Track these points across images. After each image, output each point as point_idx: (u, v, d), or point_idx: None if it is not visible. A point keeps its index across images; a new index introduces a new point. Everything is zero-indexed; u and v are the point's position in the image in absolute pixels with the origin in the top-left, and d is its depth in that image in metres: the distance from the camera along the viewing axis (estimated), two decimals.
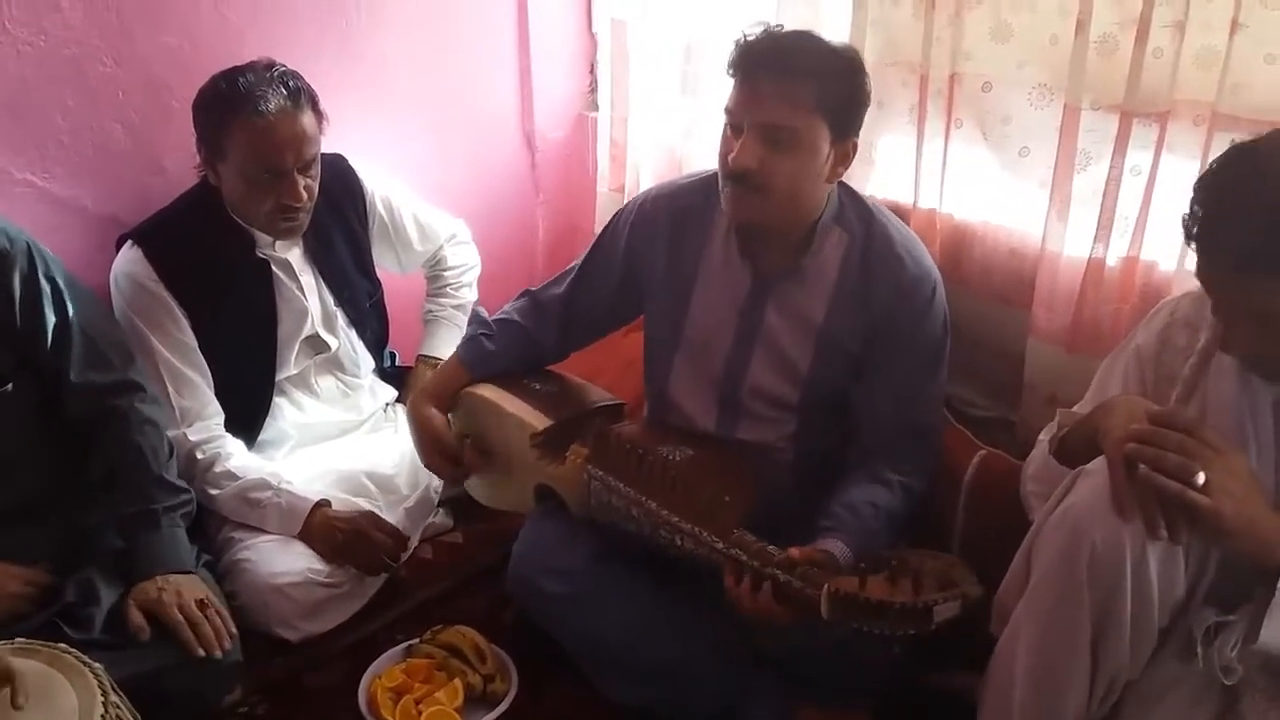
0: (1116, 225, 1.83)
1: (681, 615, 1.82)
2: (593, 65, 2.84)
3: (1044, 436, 1.64)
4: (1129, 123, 1.76)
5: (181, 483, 1.89)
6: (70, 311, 1.84)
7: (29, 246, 1.81)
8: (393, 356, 2.47)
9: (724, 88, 1.72)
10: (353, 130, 2.31)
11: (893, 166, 2.14)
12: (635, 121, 2.66)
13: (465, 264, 2.48)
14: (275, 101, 1.91)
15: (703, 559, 1.64)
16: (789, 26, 1.71)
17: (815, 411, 1.85)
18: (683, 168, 2.57)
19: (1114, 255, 1.85)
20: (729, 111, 1.69)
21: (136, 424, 1.87)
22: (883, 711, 1.78)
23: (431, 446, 2.02)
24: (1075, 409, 1.62)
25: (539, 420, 1.93)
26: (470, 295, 2.49)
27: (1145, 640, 1.40)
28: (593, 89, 2.86)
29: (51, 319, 1.82)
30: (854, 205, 1.80)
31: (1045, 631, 1.43)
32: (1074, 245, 1.88)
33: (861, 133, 1.74)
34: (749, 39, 1.67)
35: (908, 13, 2.00)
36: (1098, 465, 1.40)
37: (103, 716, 1.36)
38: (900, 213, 2.03)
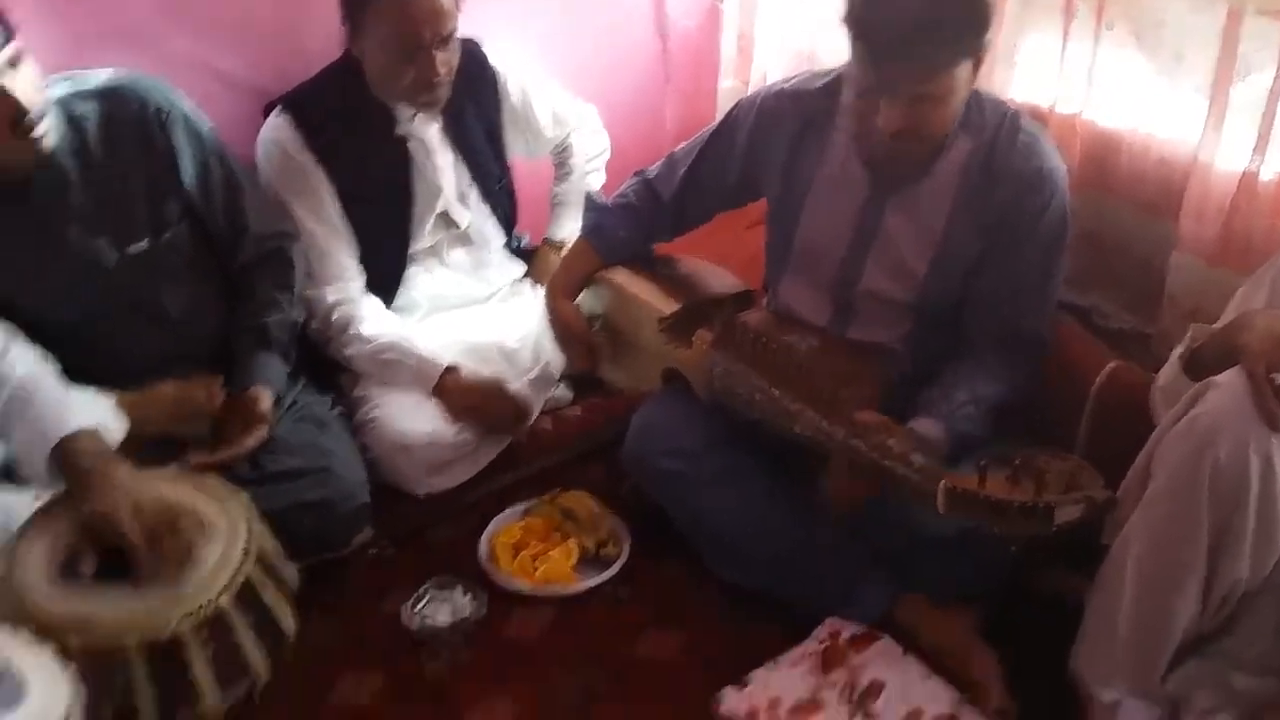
0: (1275, 138, 1.75)
1: (794, 504, 1.86)
2: None
3: (1178, 350, 1.61)
4: None
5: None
6: (233, 166, 1.97)
7: (185, 107, 1.92)
8: (520, 239, 2.52)
9: None
10: (488, 11, 2.32)
11: (1036, 69, 2.07)
12: (763, 14, 2.62)
13: (594, 150, 2.50)
14: None
15: (821, 447, 1.67)
16: None
17: (930, 315, 1.84)
18: (811, 63, 2.53)
19: (1270, 170, 1.78)
20: (865, 90, 1.64)
21: (291, 267, 2.02)
22: (986, 610, 1.79)
23: (567, 337, 2.09)
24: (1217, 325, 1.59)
25: (667, 305, 1.97)
26: (597, 180, 2.51)
27: (1268, 552, 1.39)
28: None
29: (219, 174, 1.94)
30: (982, 107, 1.76)
31: (1160, 540, 1.44)
32: (1228, 157, 1.81)
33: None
34: (882, 15, 1.58)
35: None
36: (1226, 378, 1.38)
37: (245, 541, 1.47)
38: (1039, 118, 1.98)
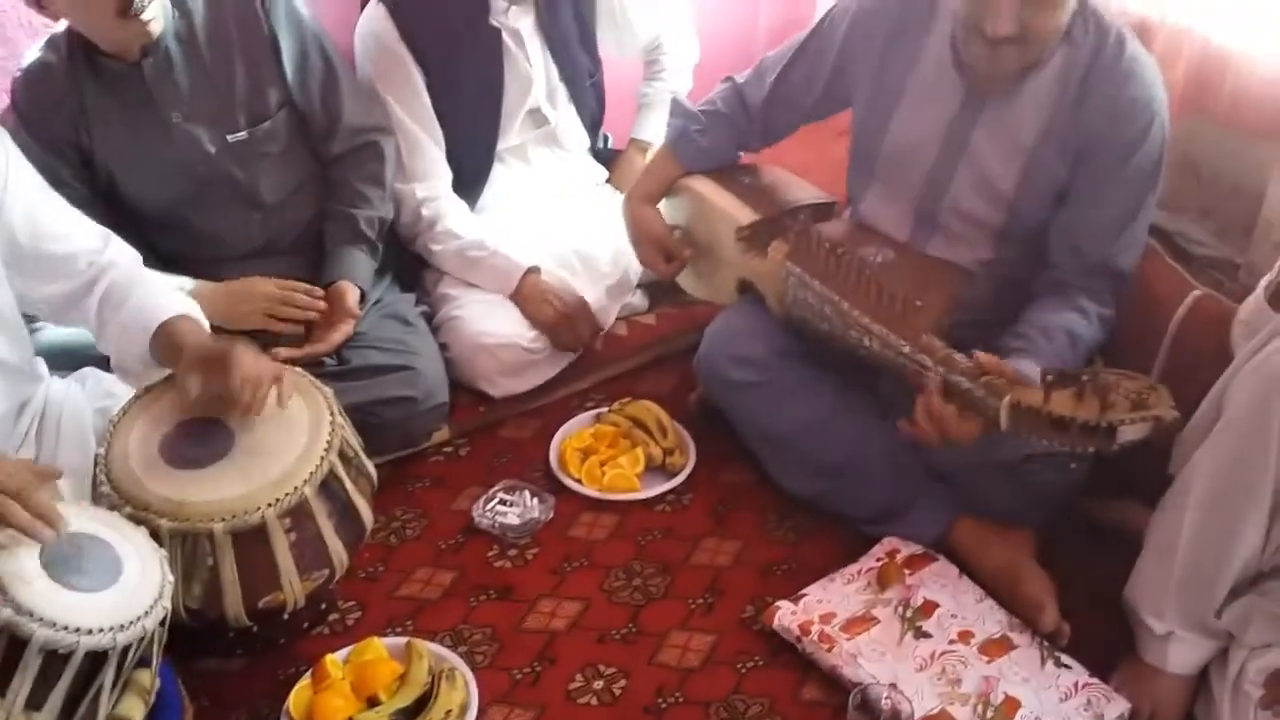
0: None
1: (859, 417, 1.87)
2: None
3: (1265, 280, 1.57)
4: None
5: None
6: (331, 55, 2.02)
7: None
8: (606, 139, 2.52)
9: None
10: None
11: None
12: None
13: (684, 51, 2.48)
14: None
15: (889, 362, 1.67)
16: None
17: (1013, 239, 1.81)
18: None
19: None
20: None
21: (384, 162, 2.08)
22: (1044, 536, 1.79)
23: (647, 242, 2.09)
24: None
25: (746, 215, 1.97)
26: (686, 83, 2.49)
27: None
28: None
29: (318, 64, 1.99)
30: (1087, 19, 1.68)
31: (1225, 474, 1.43)
32: None
33: None
34: None
35: None
36: None
37: (329, 433, 1.54)
38: (1147, 31, 1.90)
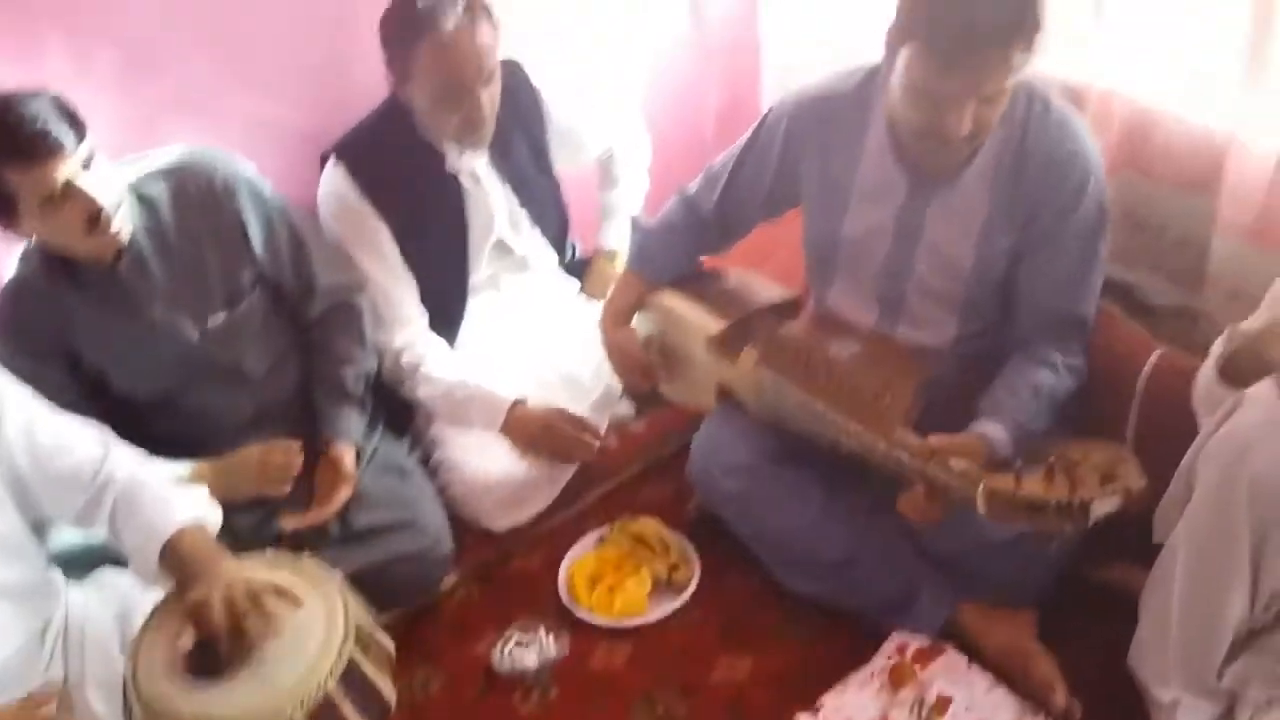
0: None
1: (852, 514, 1.92)
2: None
3: (1215, 352, 1.62)
4: None
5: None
6: (297, 225, 2.07)
7: (247, 174, 2.01)
8: (573, 247, 2.58)
9: None
10: (524, 24, 2.33)
11: (1071, 45, 2.02)
12: None
13: (637, 155, 2.54)
14: (454, 20, 1.97)
15: (870, 456, 1.72)
16: None
17: (979, 309, 1.86)
18: (853, 42, 2.52)
19: None
20: (941, 90, 1.59)
21: (361, 318, 2.14)
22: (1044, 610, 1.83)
23: (624, 364, 2.16)
24: (1250, 321, 1.59)
25: (714, 324, 2.02)
26: (643, 184, 2.55)
27: None
28: None
29: (285, 236, 2.04)
30: (1015, 92, 1.71)
31: (1204, 548, 1.48)
32: (1265, 135, 1.79)
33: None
34: (950, 14, 1.54)
35: None
36: (1259, 391, 1.42)
37: (344, 623, 1.57)
38: (1077, 96, 1.96)
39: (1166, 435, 1.62)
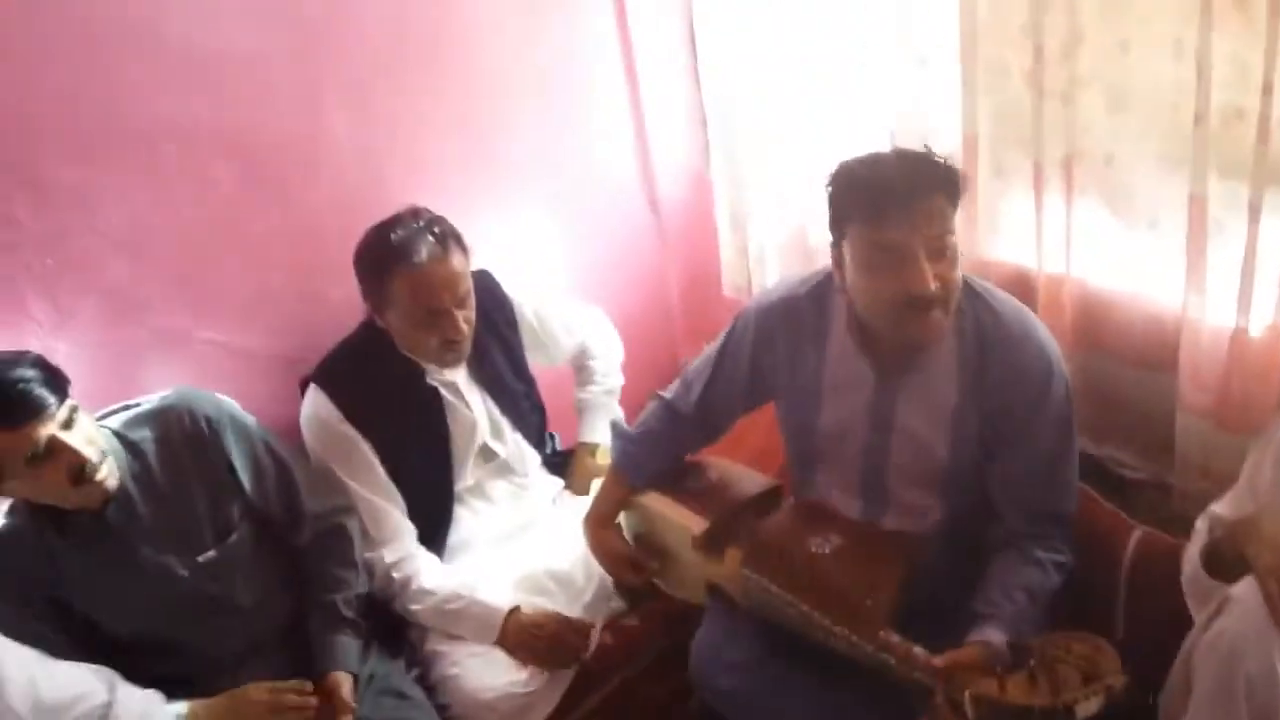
0: (1258, 295, 1.80)
1: (849, 709, 1.89)
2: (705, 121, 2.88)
3: (1193, 548, 1.64)
4: (1261, 191, 1.73)
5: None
6: (283, 456, 2.09)
7: (230, 410, 2.04)
8: (553, 438, 2.61)
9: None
10: (490, 231, 2.45)
11: (1019, 233, 2.13)
12: (751, 181, 2.71)
13: (608, 351, 2.60)
14: (426, 250, 2.05)
15: (857, 657, 1.73)
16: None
17: (960, 492, 1.89)
18: (802, 222, 2.61)
19: (1258, 325, 1.82)
20: (889, 247, 1.67)
21: (352, 542, 2.15)
22: None
23: (612, 564, 2.18)
24: (1225, 500, 1.63)
25: (697, 524, 2.04)
26: (616, 379, 2.61)
27: None
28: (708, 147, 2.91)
29: (271, 468, 2.07)
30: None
31: None
32: (1215, 315, 1.87)
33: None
34: (869, 179, 1.67)
35: (1019, 93, 1.99)
36: (1244, 590, 1.44)
37: None
38: (1027, 281, 2.03)
39: (1157, 620, 1.66)
